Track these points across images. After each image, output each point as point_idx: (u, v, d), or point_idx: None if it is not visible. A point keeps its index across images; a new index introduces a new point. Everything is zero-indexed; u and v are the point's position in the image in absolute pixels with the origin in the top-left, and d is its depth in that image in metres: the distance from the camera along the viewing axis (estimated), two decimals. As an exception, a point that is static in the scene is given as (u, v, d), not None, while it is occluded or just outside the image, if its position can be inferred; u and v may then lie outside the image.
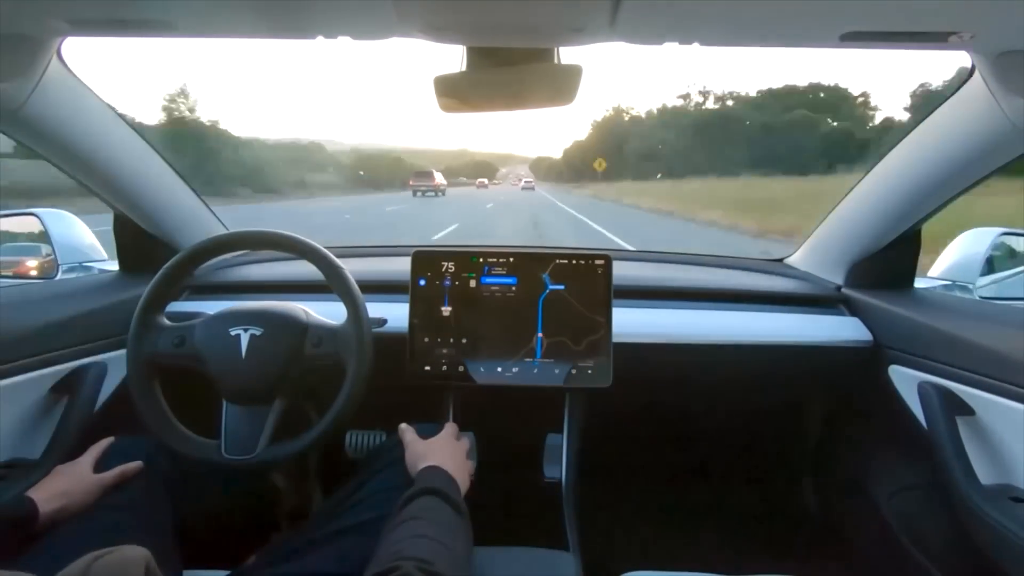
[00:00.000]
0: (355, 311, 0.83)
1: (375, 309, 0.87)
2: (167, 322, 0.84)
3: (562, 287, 0.97)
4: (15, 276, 1.38)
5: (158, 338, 0.82)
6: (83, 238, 1.30)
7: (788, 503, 1.34)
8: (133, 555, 0.45)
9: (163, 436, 0.79)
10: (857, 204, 1.09)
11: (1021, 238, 1.40)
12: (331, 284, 0.84)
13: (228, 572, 0.71)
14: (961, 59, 0.74)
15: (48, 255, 1.24)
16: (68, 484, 0.72)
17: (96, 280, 1.13)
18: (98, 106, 0.89)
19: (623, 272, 1.03)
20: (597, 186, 31.78)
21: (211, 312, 0.86)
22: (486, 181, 59.55)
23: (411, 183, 28.44)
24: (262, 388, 0.81)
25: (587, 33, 0.62)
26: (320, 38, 0.64)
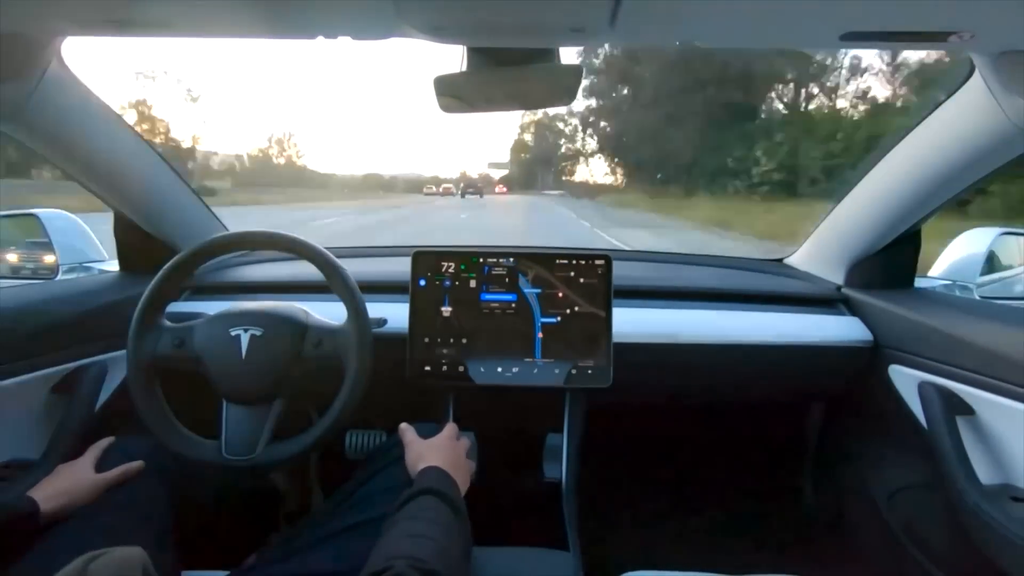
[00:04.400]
0: (355, 311, 0.83)
1: (375, 309, 0.87)
2: (167, 323, 0.84)
3: (562, 287, 0.97)
4: (15, 276, 1.38)
5: (158, 339, 0.81)
6: (83, 238, 1.30)
7: (788, 503, 1.34)
8: (129, 555, 0.45)
9: (163, 437, 0.79)
10: (857, 204, 1.09)
11: (1021, 237, 1.40)
12: (331, 284, 0.84)
13: (228, 572, 0.71)
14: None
15: (48, 255, 1.24)
16: (69, 483, 0.72)
17: (96, 280, 1.13)
18: (98, 106, 0.89)
19: (623, 272, 1.03)
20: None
21: (211, 313, 0.86)
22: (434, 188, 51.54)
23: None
24: (262, 388, 0.80)
25: (587, 33, 0.62)
26: (320, 38, 0.64)
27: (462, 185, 44.49)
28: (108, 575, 0.42)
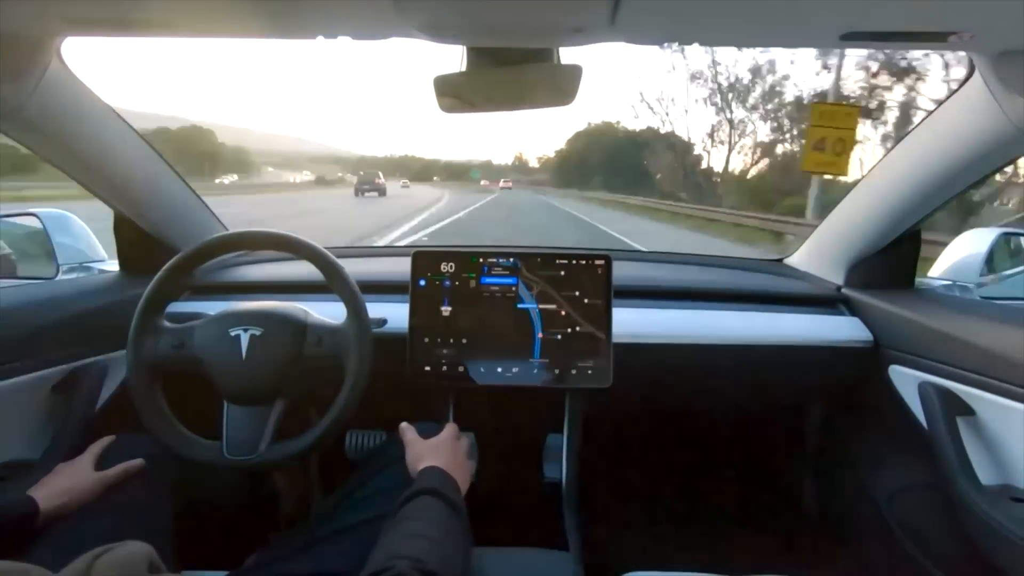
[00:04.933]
0: (355, 310, 0.83)
1: (375, 309, 0.87)
2: (167, 325, 0.84)
3: (562, 287, 0.97)
4: (15, 276, 1.38)
5: (158, 341, 0.81)
6: (83, 238, 1.30)
7: (788, 503, 1.33)
8: (136, 551, 0.45)
9: (165, 439, 0.79)
10: (857, 204, 1.09)
11: (1021, 238, 1.39)
12: (330, 284, 0.84)
13: (228, 572, 0.71)
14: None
15: (48, 255, 1.24)
16: (69, 482, 0.72)
17: (96, 280, 1.13)
18: (98, 106, 0.89)
19: (623, 272, 1.03)
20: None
21: (211, 313, 0.86)
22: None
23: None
24: (263, 388, 0.80)
25: (587, 33, 0.62)
26: (320, 38, 0.64)
27: (356, 180, 33.82)
28: (114, 571, 0.42)
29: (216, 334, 0.81)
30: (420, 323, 0.97)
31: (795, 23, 0.60)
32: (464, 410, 1.01)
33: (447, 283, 0.97)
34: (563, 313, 0.96)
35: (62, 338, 0.89)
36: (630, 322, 1.01)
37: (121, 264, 1.14)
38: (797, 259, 1.31)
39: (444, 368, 0.96)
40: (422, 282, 0.97)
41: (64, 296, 0.97)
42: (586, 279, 0.97)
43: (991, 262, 1.29)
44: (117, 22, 0.64)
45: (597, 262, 0.97)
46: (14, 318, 0.84)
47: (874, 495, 1.06)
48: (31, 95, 0.75)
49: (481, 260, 0.98)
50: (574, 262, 0.97)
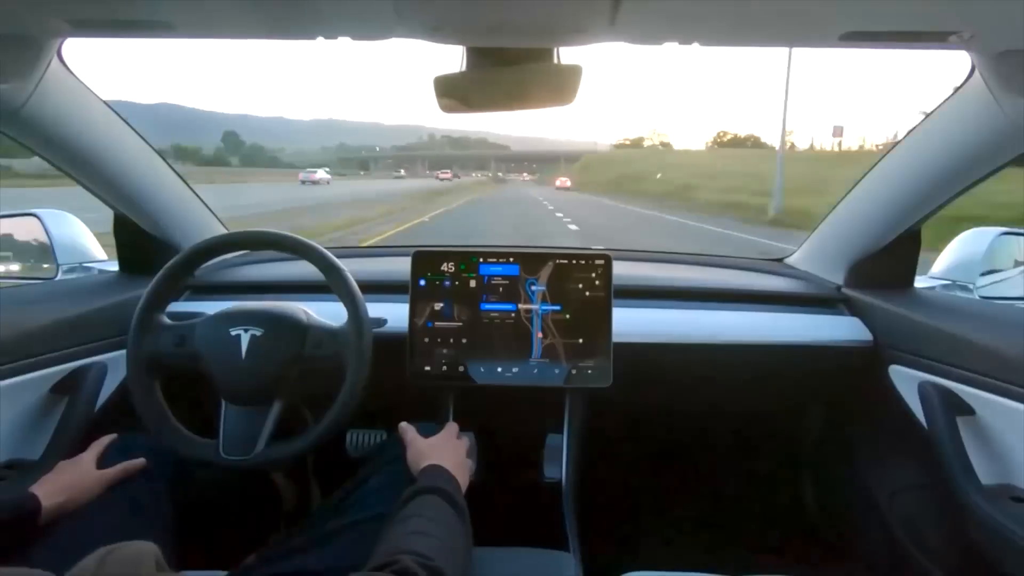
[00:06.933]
0: (355, 311, 0.82)
1: (375, 309, 0.87)
2: (167, 321, 0.84)
3: (562, 287, 0.97)
4: (15, 276, 1.38)
5: (158, 337, 0.81)
6: (83, 238, 1.30)
7: (788, 503, 1.34)
8: (145, 549, 0.46)
9: (161, 435, 0.79)
10: (857, 204, 1.09)
11: (1021, 237, 1.39)
12: (330, 284, 0.84)
13: (228, 572, 0.71)
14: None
15: (48, 255, 1.24)
16: (71, 480, 0.72)
17: (96, 280, 1.13)
18: (98, 106, 0.89)
19: (623, 272, 1.03)
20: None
21: (211, 312, 0.86)
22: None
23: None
24: (261, 389, 0.80)
25: (587, 33, 0.62)
26: (320, 39, 0.64)
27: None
28: (123, 568, 0.43)
29: (217, 333, 0.81)
30: (420, 323, 0.97)
31: (795, 23, 0.61)
32: (464, 410, 1.01)
33: (447, 283, 0.97)
34: (563, 313, 0.96)
35: (62, 338, 0.89)
36: (630, 322, 1.01)
37: (121, 264, 1.14)
38: (797, 259, 1.31)
39: (444, 368, 0.96)
40: (422, 282, 0.97)
41: (64, 296, 0.97)
42: (586, 279, 0.97)
43: (991, 262, 1.29)
44: (117, 23, 0.64)
45: (597, 262, 0.97)
46: (14, 318, 0.84)
47: (874, 495, 1.06)
48: (31, 95, 0.75)
49: (481, 260, 0.98)
50: (574, 262, 0.97)
